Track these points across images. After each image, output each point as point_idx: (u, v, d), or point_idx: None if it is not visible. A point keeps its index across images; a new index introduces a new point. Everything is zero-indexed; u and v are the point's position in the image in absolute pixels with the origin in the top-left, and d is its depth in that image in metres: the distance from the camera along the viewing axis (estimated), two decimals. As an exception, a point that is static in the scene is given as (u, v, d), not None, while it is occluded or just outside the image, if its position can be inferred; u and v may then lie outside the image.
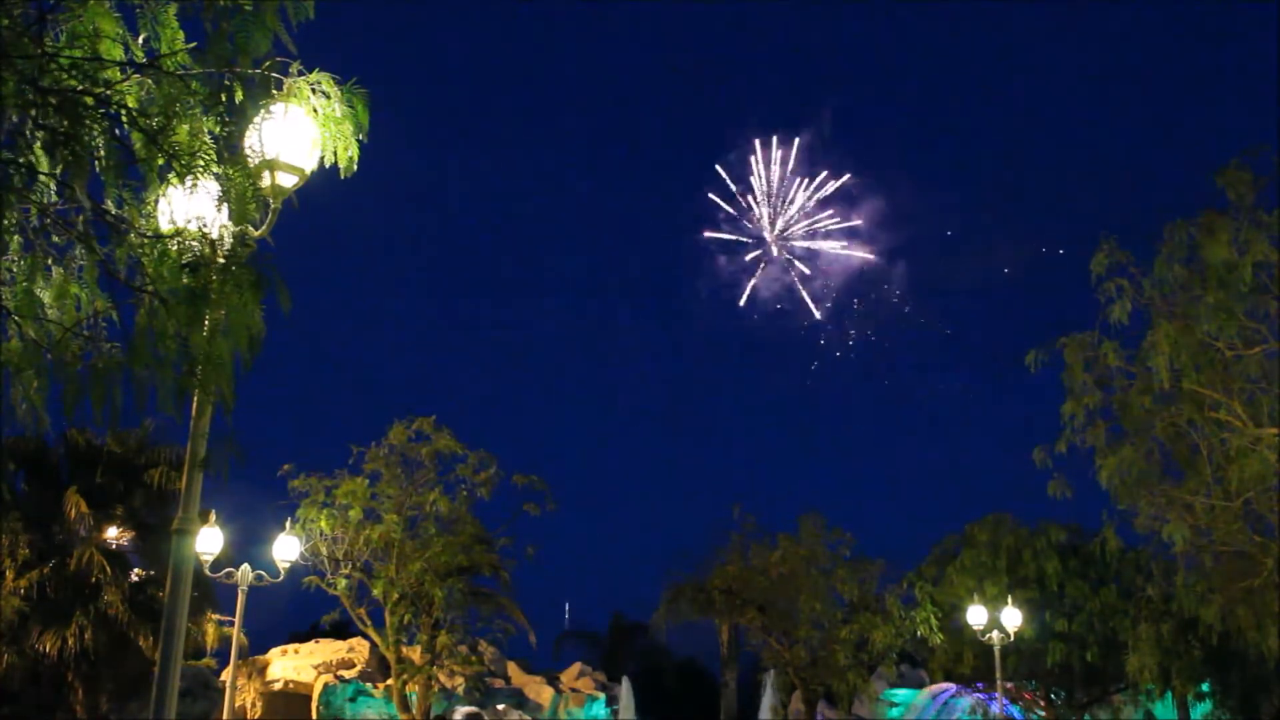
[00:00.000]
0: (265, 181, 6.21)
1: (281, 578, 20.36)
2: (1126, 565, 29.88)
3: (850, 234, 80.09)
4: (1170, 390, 16.41)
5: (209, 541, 18.63)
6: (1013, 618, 27.60)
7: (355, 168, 6.22)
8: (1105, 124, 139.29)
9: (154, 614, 22.50)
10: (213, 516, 19.01)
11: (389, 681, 27.58)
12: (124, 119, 5.36)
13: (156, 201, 5.66)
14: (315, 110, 6.07)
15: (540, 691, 38.45)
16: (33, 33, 5.13)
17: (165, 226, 5.63)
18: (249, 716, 33.26)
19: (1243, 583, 17.03)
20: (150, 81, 5.43)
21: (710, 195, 79.47)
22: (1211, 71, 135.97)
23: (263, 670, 34.58)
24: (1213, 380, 15.96)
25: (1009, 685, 32.33)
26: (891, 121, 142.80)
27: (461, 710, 33.04)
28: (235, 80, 5.59)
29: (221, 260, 5.53)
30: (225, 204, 5.56)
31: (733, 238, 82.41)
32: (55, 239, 5.73)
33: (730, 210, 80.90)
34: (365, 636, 28.51)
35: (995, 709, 32.33)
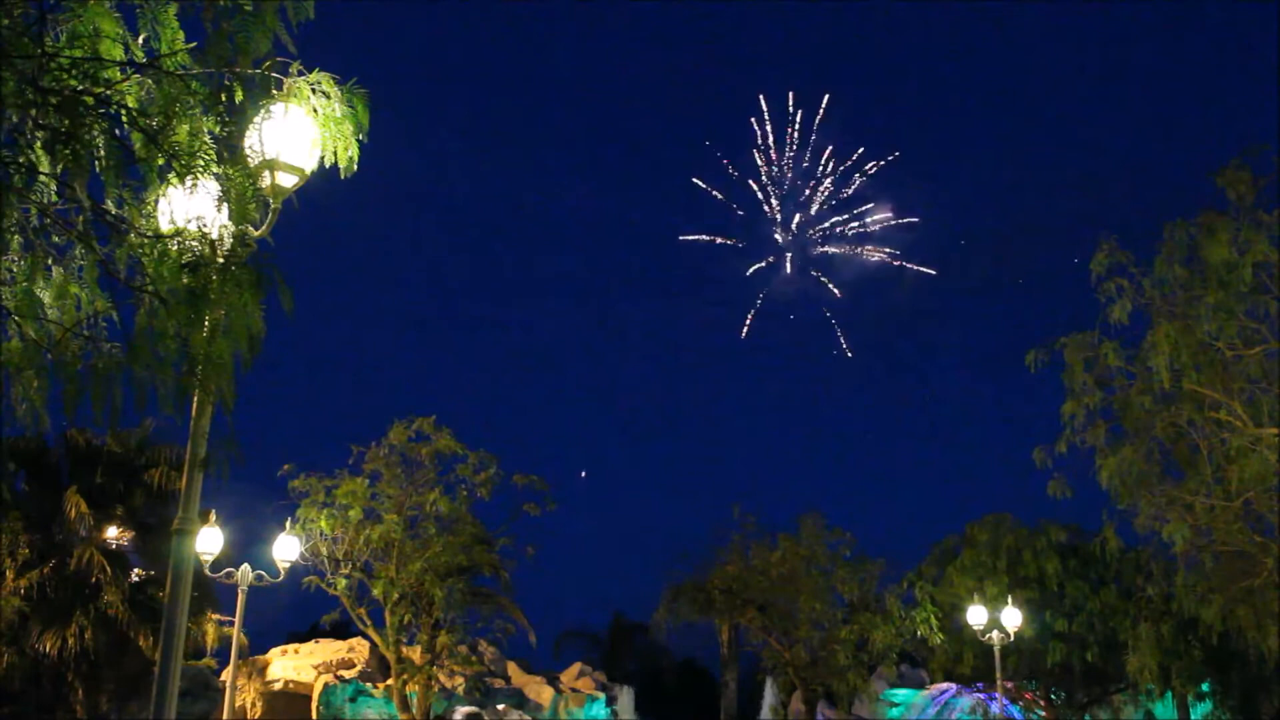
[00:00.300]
0: (265, 181, 6.21)
1: (281, 578, 20.34)
2: (1126, 565, 29.87)
3: (863, 237, 79.46)
4: (1170, 390, 16.43)
5: (209, 541, 18.61)
6: (1013, 618, 27.60)
7: (355, 168, 6.22)
8: (1105, 124, 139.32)
9: (154, 614, 22.51)
10: (213, 516, 19.00)
11: (389, 681, 27.59)
12: (124, 119, 5.36)
13: (156, 201, 5.66)
14: (315, 110, 6.07)
15: (540, 691, 38.44)
16: (33, 33, 5.13)
17: (165, 226, 5.62)
18: (249, 716, 33.26)
19: (1243, 583, 17.04)
20: (150, 81, 5.43)
21: (715, 193, 78.82)
22: (1211, 71, 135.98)
23: (263, 670, 34.57)
24: (1213, 380, 15.97)
25: (1009, 685, 32.33)
26: (893, 121, 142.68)
27: (461, 710, 33.03)
28: (235, 80, 5.59)
29: (221, 260, 5.53)
30: (225, 204, 5.56)
31: (725, 241, 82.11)
32: (55, 239, 5.73)
33: (740, 211, 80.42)
34: (365, 636, 28.50)
35: (995, 709, 32.34)
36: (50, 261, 5.75)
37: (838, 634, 29.82)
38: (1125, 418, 17.07)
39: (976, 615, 27.97)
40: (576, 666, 42.25)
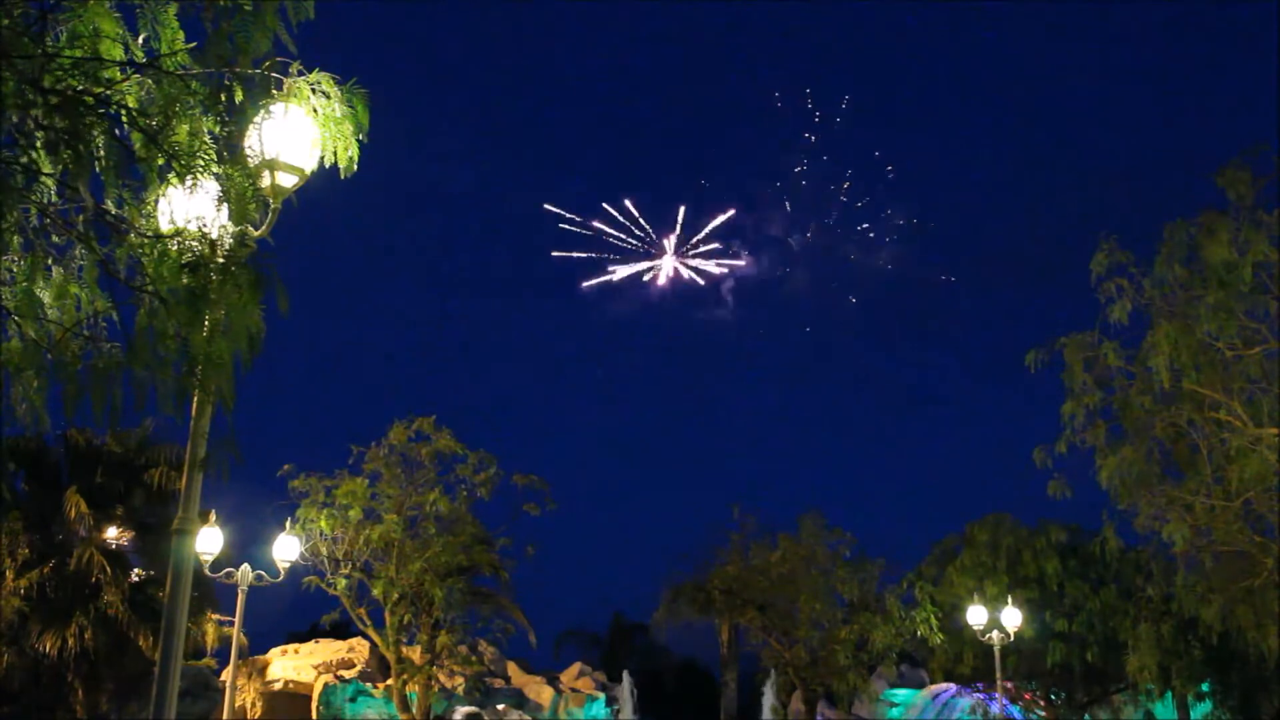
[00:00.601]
0: (265, 181, 6.20)
1: (281, 578, 20.34)
2: (1126, 565, 29.89)
3: (865, 238, 79.89)
4: (1170, 390, 16.42)
5: (209, 541, 18.61)
6: (1013, 618, 27.59)
7: (355, 168, 6.22)
8: (1106, 124, 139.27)
9: (154, 614, 22.50)
10: (213, 516, 19.00)
11: (389, 681, 27.58)
12: (124, 119, 5.35)
13: (156, 201, 5.66)
14: (315, 110, 6.07)
15: (540, 691, 38.44)
16: (33, 33, 5.13)
17: (165, 226, 5.62)
18: (249, 716, 33.26)
19: (1243, 583, 17.03)
20: (150, 81, 5.43)
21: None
22: (1212, 71, 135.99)
23: (263, 670, 34.58)
24: (1213, 380, 15.96)
25: (1009, 685, 32.33)
26: (894, 121, 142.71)
27: (461, 710, 33.03)
28: (235, 80, 5.59)
29: (221, 260, 5.52)
30: (225, 204, 5.56)
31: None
32: (55, 239, 5.73)
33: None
34: (365, 636, 28.50)
35: (995, 709, 32.32)
36: (50, 261, 5.75)
37: (838, 634, 29.81)
38: (1125, 418, 17.06)
39: (976, 615, 27.96)
40: (576, 666, 42.27)
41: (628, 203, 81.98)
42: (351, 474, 23.59)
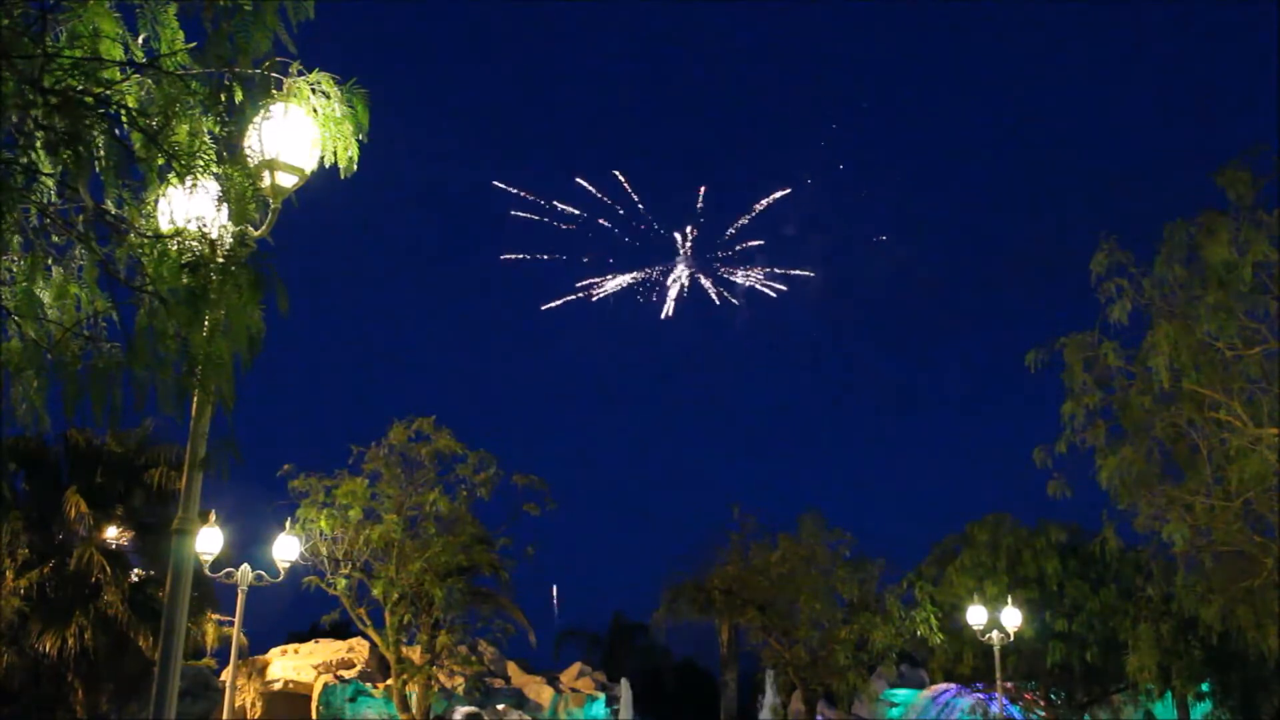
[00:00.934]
0: (265, 181, 6.20)
1: (281, 578, 20.34)
2: (1126, 565, 29.88)
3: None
4: (1170, 390, 16.42)
5: (209, 541, 18.61)
6: (1013, 618, 27.60)
7: (355, 168, 6.22)
8: (1106, 124, 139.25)
9: (154, 614, 22.49)
10: (213, 516, 19.00)
11: (389, 681, 27.57)
12: (124, 119, 5.35)
13: (156, 201, 5.65)
14: (315, 110, 6.07)
15: (540, 691, 38.43)
16: (33, 33, 5.13)
17: (165, 226, 5.62)
18: (249, 716, 33.26)
19: (1243, 583, 17.04)
20: (150, 81, 5.43)
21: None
22: (1211, 71, 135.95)
23: (262, 670, 34.56)
24: (1213, 380, 15.96)
25: (1009, 685, 32.33)
26: (896, 119, 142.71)
27: (461, 710, 33.03)
28: (235, 80, 5.59)
29: (221, 260, 5.52)
30: (225, 204, 5.56)
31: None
32: (55, 239, 5.72)
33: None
34: (365, 636, 28.49)
35: (995, 709, 32.32)
36: (50, 261, 5.74)
37: (838, 634, 29.82)
38: (1125, 418, 17.06)
39: (976, 615, 27.97)
40: (576, 666, 42.26)
41: (639, 205, 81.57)
42: (351, 474, 23.59)
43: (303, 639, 37.92)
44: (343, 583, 23.37)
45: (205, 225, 5.53)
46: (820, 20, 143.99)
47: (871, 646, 29.95)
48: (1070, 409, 17.43)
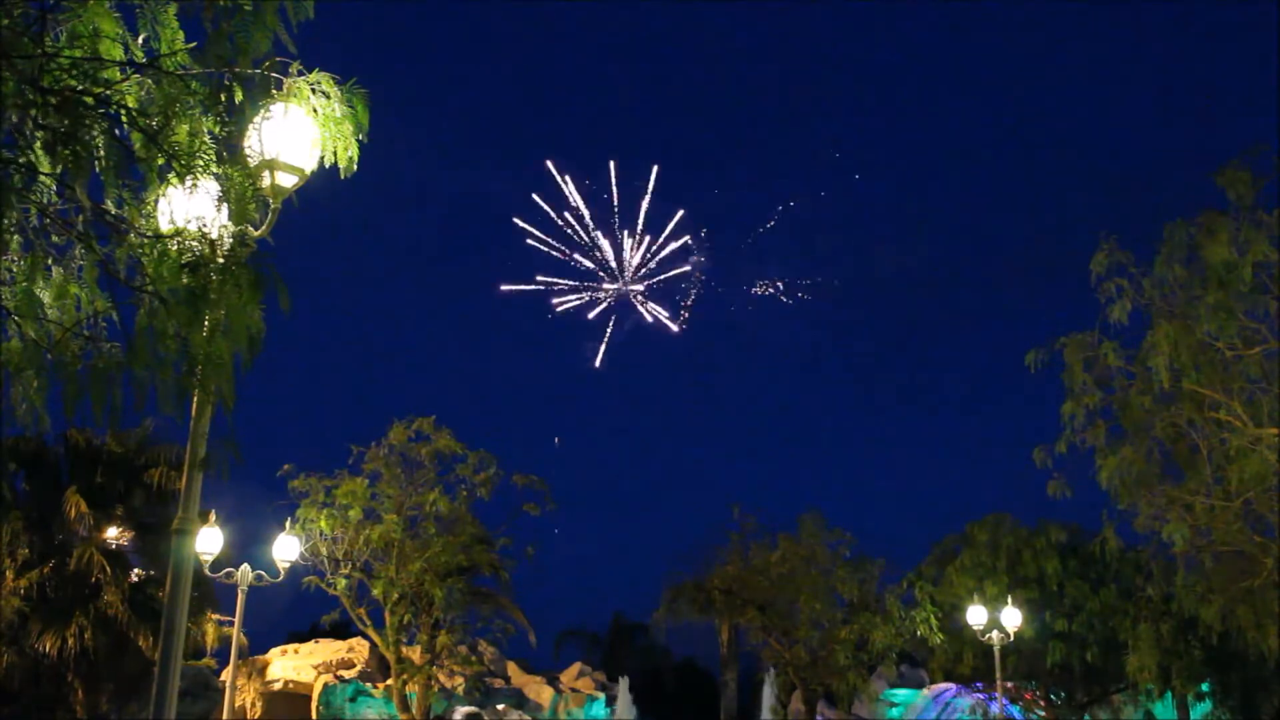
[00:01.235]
0: (265, 181, 6.21)
1: (281, 578, 20.34)
2: (1126, 565, 29.86)
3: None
4: (1170, 390, 16.42)
5: (209, 541, 18.61)
6: (1013, 618, 27.59)
7: (355, 168, 6.22)
8: (1106, 124, 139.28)
9: (154, 614, 22.49)
10: (213, 516, 18.99)
11: (389, 681, 27.59)
12: (124, 119, 5.35)
13: (156, 201, 5.65)
14: (315, 110, 6.07)
15: (540, 691, 38.46)
16: (33, 33, 5.13)
17: (165, 226, 5.62)
18: (249, 716, 33.27)
19: (1243, 583, 17.03)
20: (150, 81, 5.43)
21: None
22: (1212, 71, 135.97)
23: (263, 670, 34.59)
24: (1213, 380, 15.96)
25: (1009, 685, 32.32)
26: (896, 119, 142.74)
27: (461, 710, 33.05)
28: (235, 80, 5.59)
29: (221, 260, 5.52)
30: (225, 204, 5.56)
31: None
32: (55, 239, 5.72)
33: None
34: (365, 636, 28.51)
35: (995, 709, 32.32)
36: (50, 261, 5.74)
37: (838, 634, 29.82)
38: (1125, 418, 17.05)
39: (976, 615, 27.97)
40: (576, 666, 42.29)
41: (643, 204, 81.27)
42: (351, 474, 23.61)
43: (303, 639, 37.95)
44: (343, 583, 23.38)
45: (205, 225, 5.54)
46: (820, 20, 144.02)
47: (871, 646, 29.96)
48: (1070, 409, 17.42)
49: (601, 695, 39.14)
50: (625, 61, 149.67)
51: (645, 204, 79.70)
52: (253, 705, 33.48)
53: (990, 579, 31.23)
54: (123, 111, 5.33)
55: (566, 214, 79.66)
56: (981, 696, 35.31)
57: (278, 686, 34.60)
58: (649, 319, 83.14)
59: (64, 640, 23.01)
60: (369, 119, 6.11)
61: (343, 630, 34.51)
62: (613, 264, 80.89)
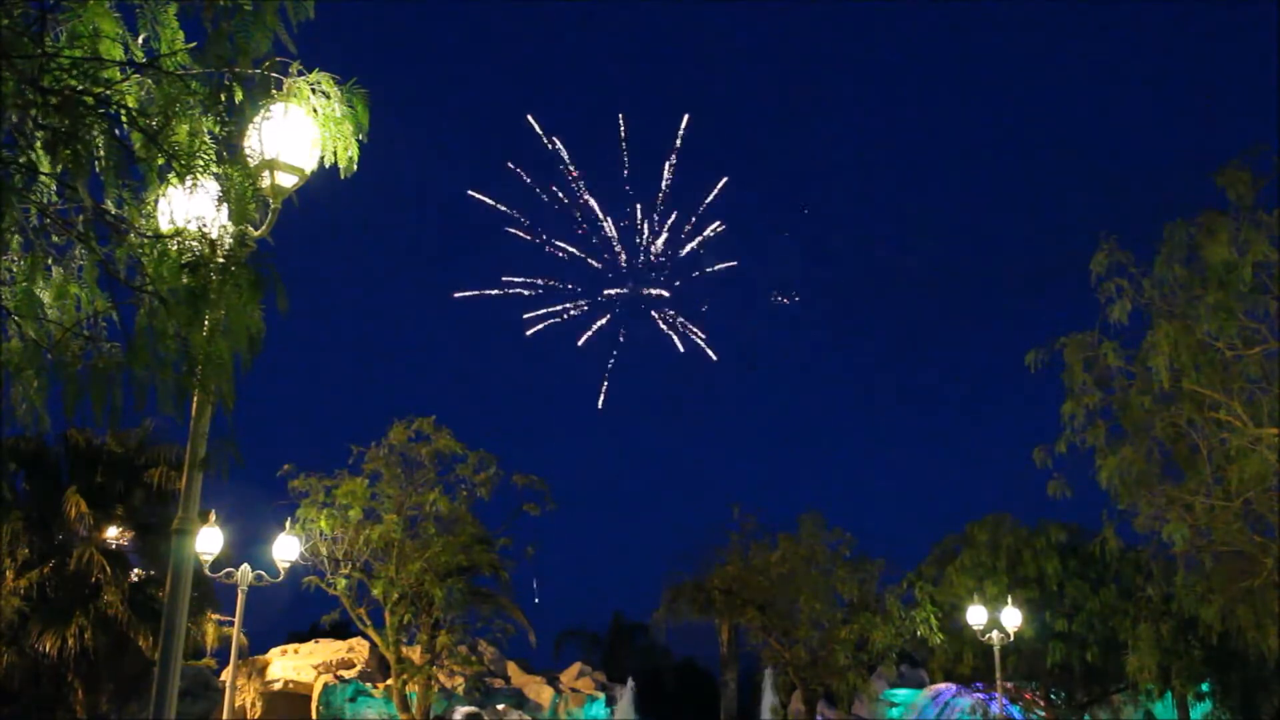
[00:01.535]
0: (265, 181, 6.21)
1: (281, 578, 20.35)
2: (1126, 565, 29.87)
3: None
4: (1170, 390, 16.42)
5: (209, 541, 18.61)
6: (1013, 618, 27.60)
7: (355, 168, 6.22)
8: (1106, 124, 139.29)
9: (154, 614, 22.51)
10: (213, 516, 19.00)
11: (389, 681, 27.60)
12: (124, 119, 5.35)
13: (156, 201, 5.66)
14: (315, 110, 6.07)
15: (540, 691, 38.48)
16: (33, 33, 5.13)
17: (165, 226, 5.62)
18: (249, 716, 33.28)
19: (1243, 583, 17.03)
20: (150, 81, 5.43)
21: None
22: (1212, 71, 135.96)
23: (263, 670, 34.60)
24: (1213, 380, 15.96)
25: (1009, 685, 32.34)
26: (896, 119, 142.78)
27: (461, 710, 33.06)
28: (235, 80, 5.59)
29: (221, 260, 5.52)
30: (225, 204, 5.56)
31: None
32: (55, 239, 5.73)
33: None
34: (365, 636, 28.52)
35: (995, 709, 32.33)
36: (50, 261, 5.75)
37: (838, 634, 29.82)
38: (1125, 418, 17.06)
39: (976, 615, 27.98)
40: (576, 666, 42.31)
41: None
42: (351, 474, 23.62)
43: (303, 639, 37.96)
44: (343, 583, 23.39)
45: (205, 225, 5.53)
46: (820, 20, 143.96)
47: (871, 646, 29.96)
48: (1070, 409, 17.43)
49: (601, 695, 39.15)
50: (625, 62, 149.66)
51: (662, 191, 78.36)
52: (253, 705, 33.50)
53: (990, 579, 31.25)
54: (123, 111, 5.33)
55: (575, 209, 79.20)
56: (981, 696, 35.32)
57: (278, 686, 34.62)
58: (677, 341, 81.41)
59: (64, 640, 23.01)
60: (369, 119, 6.11)
61: (343, 630, 34.53)
62: (623, 263, 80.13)
